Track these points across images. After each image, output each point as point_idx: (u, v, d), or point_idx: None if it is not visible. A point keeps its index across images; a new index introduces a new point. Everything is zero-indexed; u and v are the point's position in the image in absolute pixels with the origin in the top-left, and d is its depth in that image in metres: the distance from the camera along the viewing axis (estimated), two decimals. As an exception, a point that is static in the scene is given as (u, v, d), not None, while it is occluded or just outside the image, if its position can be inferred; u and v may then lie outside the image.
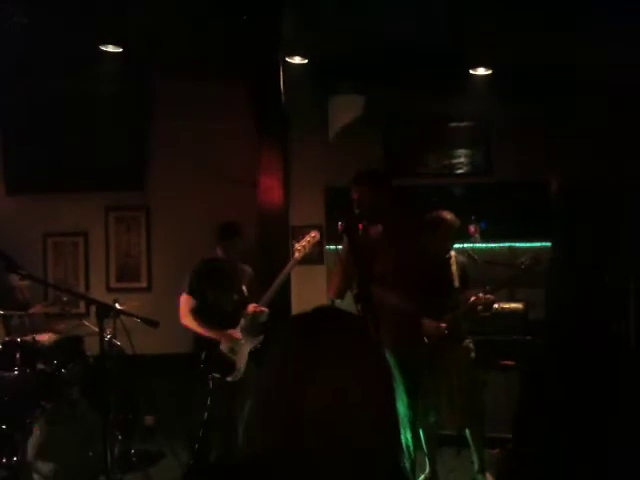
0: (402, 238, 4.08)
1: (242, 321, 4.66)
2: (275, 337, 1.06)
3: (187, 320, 4.69)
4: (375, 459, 0.93)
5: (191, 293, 4.71)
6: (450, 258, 4.76)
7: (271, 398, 0.99)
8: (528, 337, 5.47)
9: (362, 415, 0.94)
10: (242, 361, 4.61)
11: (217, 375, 4.54)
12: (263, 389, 1.01)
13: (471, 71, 5.96)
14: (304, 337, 1.02)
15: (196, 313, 4.68)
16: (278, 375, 1.00)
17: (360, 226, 3.94)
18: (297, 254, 4.62)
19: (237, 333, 4.63)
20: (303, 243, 4.63)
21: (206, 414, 4.56)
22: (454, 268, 4.73)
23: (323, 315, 1.08)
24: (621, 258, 5.59)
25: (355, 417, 0.93)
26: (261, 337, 4.69)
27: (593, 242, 5.76)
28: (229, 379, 4.57)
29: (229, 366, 4.59)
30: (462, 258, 4.88)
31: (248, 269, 4.93)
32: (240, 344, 4.63)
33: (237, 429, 4.40)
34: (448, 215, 4.73)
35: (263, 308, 4.63)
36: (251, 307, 4.62)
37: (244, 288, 4.76)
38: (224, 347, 4.60)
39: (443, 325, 4.51)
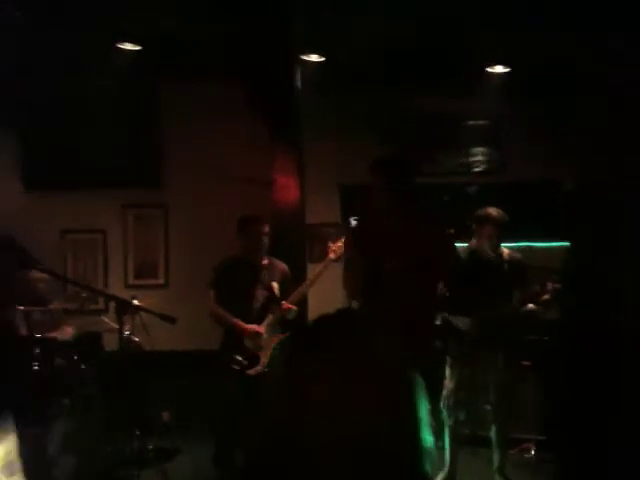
0: (420, 234, 3.70)
1: (269, 317, 4.65)
2: (294, 336, 1.07)
3: (211, 313, 4.72)
4: (392, 464, 0.93)
5: (214, 288, 4.73)
6: (501, 255, 4.58)
7: (282, 398, 0.98)
8: (545, 338, 5.44)
9: (378, 419, 0.93)
10: (266, 356, 4.59)
11: (237, 367, 4.53)
12: (275, 388, 1.01)
13: (488, 69, 5.94)
14: (318, 338, 1.02)
15: (222, 307, 4.69)
16: (291, 374, 1.00)
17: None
18: (332, 255, 4.57)
19: (260, 328, 4.62)
20: (339, 244, 4.55)
21: (232, 411, 4.57)
22: (506, 266, 4.55)
23: (341, 317, 1.08)
24: (620, 258, 5.53)
25: (370, 421, 0.93)
26: (287, 334, 4.65)
27: (597, 243, 5.70)
28: (250, 372, 4.56)
29: (253, 360, 4.59)
30: (517, 256, 4.69)
31: (281, 265, 4.82)
32: (263, 339, 4.61)
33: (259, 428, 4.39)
34: (494, 212, 4.57)
35: (291, 306, 4.62)
36: (283, 305, 4.60)
37: (274, 285, 4.67)
38: (247, 342, 4.60)
39: (479, 324, 4.41)
